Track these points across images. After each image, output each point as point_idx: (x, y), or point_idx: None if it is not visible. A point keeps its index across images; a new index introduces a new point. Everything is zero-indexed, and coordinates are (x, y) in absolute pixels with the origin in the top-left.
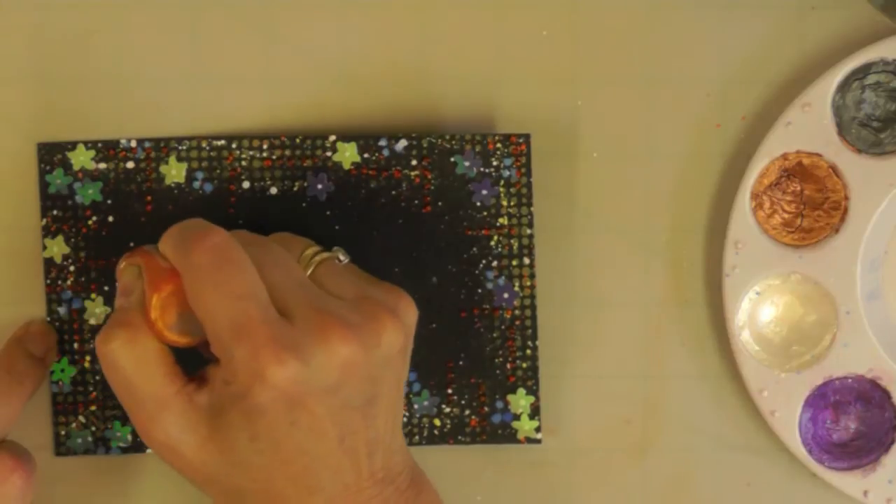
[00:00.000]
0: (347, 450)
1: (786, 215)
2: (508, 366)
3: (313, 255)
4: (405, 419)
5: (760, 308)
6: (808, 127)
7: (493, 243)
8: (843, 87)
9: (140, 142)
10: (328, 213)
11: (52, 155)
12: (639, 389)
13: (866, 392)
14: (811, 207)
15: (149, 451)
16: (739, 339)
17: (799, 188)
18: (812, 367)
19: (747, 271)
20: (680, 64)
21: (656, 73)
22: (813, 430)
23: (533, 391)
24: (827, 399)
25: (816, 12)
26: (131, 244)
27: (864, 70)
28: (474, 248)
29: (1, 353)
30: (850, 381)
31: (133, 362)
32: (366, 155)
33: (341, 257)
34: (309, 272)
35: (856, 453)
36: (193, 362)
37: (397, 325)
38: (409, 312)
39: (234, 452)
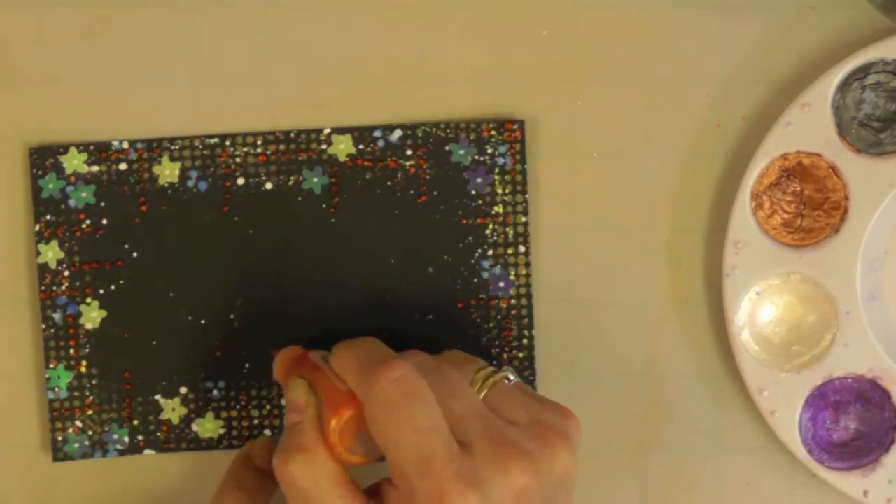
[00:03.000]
0: None
1: (786, 215)
2: (505, 356)
3: (486, 377)
4: None
5: (760, 308)
6: (808, 127)
7: (488, 232)
8: (843, 87)
9: (132, 143)
10: (324, 206)
11: (44, 159)
12: (639, 389)
13: (866, 392)
14: (811, 207)
15: (146, 452)
16: (739, 339)
17: (799, 188)
18: (812, 367)
19: (747, 271)
20: (680, 64)
21: (656, 73)
22: (813, 430)
23: (529, 382)
24: (827, 399)
25: (816, 12)
26: (126, 246)
27: (864, 70)
28: (469, 237)
29: (230, 470)
30: (850, 381)
31: (313, 484)
32: (361, 146)
33: (511, 377)
34: (482, 395)
35: (856, 453)
36: None
37: (569, 448)
38: (578, 432)
39: None
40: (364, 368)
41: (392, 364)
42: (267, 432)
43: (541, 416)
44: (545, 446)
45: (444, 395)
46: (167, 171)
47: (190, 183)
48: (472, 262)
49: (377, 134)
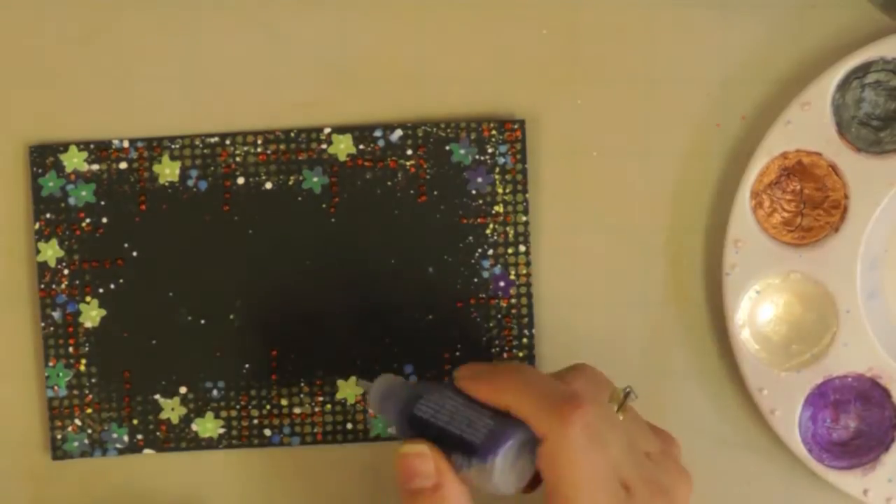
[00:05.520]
0: None
1: (786, 214)
2: (505, 355)
3: (620, 400)
4: None
5: (760, 307)
6: (808, 126)
7: (488, 231)
8: (843, 85)
9: (132, 142)
10: (323, 205)
11: (44, 157)
12: (639, 389)
13: (866, 391)
14: (811, 206)
15: (145, 451)
16: (739, 337)
17: (799, 187)
18: (812, 366)
19: (747, 270)
20: (680, 64)
21: (656, 73)
22: (813, 428)
23: None
24: (827, 398)
25: (816, 11)
26: (126, 245)
27: (863, 69)
28: (470, 237)
29: None
30: (849, 379)
31: None
32: (361, 146)
33: (635, 395)
34: (620, 417)
35: (856, 452)
36: None
37: (689, 480)
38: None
39: None
40: (549, 401)
41: (584, 406)
42: (267, 432)
43: (664, 447)
44: (676, 481)
45: (607, 433)
46: (167, 171)
47: (190, 182)
48: (473, 261)
49: (377, 134)
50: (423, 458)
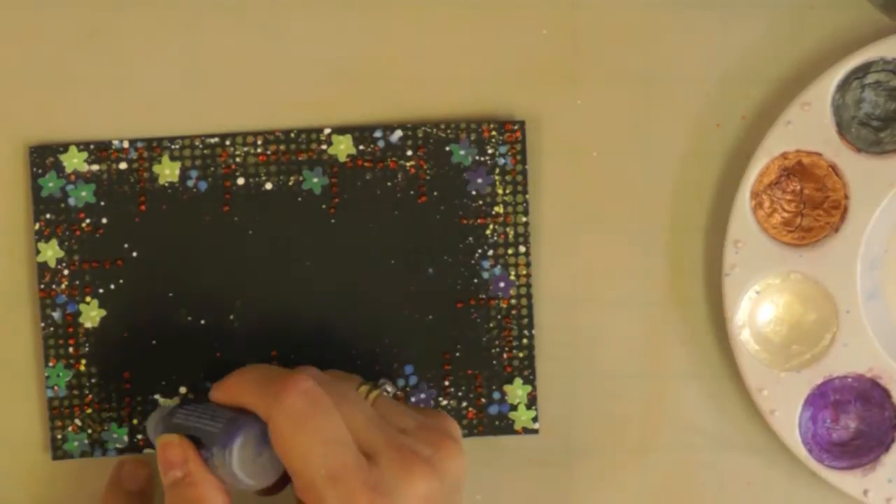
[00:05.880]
0: None
1: (786, 214)
2: (505, 356)
3: (368, 391)
4: None
5: (760, 307)
6: (808, 126)
7: (488, 232)
8: (843, 86)
9: (132, 142)
10: (324, 206)
11: (44, 158)
12: (639, 389)
13: (866, 391)
14: (811, 206)
15: (145, 451)
16: (739, 338)
17: (799, 187)
18: (812, 367)
19: (747, 270)
20: (680, 64)
21: (656, 73)
22: (813, 429)
23: (530, 381)
24: (827, 398)
25: (816, 11)
26: (126, 245)
27: (863, 69)
28: (470, 238)
29: (103, 499)
30: (849, 380)
31: None
32: (361, 147)
33: (388, 389)
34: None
35: (855, 452)
36: None
37: (460, 449)
38: (460, 434)
39: None
40: (266, 385)
41: (297, 378)
42: None
43: (426, 422)
44: (439, 450)
45: (341, 405)
46: (167, 171)
47: (190, 182)
48: (473, 262)
49: (377, 134)
50: (174, 448)
